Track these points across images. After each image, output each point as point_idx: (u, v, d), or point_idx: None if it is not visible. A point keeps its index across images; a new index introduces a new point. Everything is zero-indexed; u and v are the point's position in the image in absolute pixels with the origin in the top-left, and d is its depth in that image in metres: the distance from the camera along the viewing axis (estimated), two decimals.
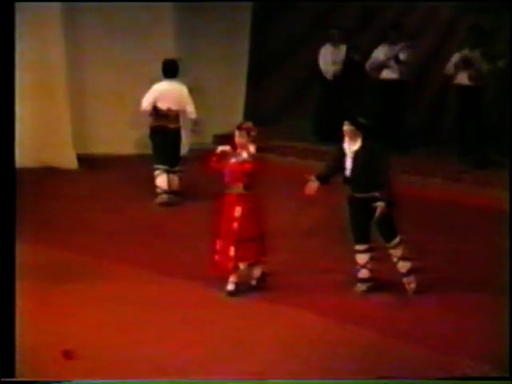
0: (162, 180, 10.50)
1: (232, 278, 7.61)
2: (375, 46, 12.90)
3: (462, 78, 12.01)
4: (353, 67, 13.21)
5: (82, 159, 12.21)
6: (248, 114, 13.11)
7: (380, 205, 7.53)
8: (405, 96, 12.83)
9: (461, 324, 7.12)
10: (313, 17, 13.87)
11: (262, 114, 13.31)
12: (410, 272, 7.80)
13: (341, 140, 7.76)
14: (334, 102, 13.16)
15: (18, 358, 5.56)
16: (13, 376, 5.44)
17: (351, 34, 13.43)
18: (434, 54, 13.14)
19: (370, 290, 7.80)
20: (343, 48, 13.30)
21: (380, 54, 12.80)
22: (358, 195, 7.71)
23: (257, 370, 6.15)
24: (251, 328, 6.94)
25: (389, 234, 7.74)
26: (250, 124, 7.64)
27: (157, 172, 10.53)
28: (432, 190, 11.35)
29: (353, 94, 13.27)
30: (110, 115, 12.70)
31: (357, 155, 7.66)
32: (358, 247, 7.83)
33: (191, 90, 10.75)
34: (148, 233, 9.40)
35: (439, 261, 8.63)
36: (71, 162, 12.18)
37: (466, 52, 11.96)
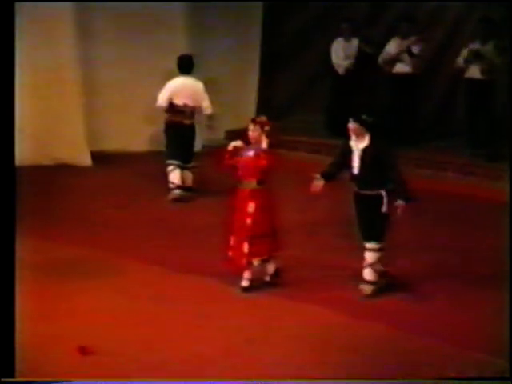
0: (175, 175, 10.54)
1: (246, 275, 7.58)
2: (387, 39, 12.89)
3: (474, 72, 12.00)
4: (365, 61, 13.22)
5: (96, 156, 12.27)
6: (260, 109, 13.14)
7: (400, 203, 7.40)
8: (417, 89, 12.83)
9: (472, 318, 7.14)
10: (324, 11, 13.88)
11: (274, 108, 13.35)
12: (369, 282, 7.64)
13: (349, 136, 7.73)
14: (346, 97, 13.15)
15: (17, 357, 5.59)
16: (13, 376, 5.47)
17: (362, 28, 13.44)
18: (446, 47, 13.13)
19: (374, 294, 7.62)
20: (355, 42, 13.30)
21: (392, 47, 12.77)
22: (364, 192, 7.59)
23: (270, 365, 6.18)
24: (265, 324, 6.94)
25: (375, 234, 7.58)
26: (264, 118, 7.61)
27: (170, 167, 10.57)
28: (443, 184, 11.37)
29: (365, 88, 13.27)
30: (122, 112, 12.74)
31: (365, 153, 7.55)
32: (368, 245, 7.65)
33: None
34: (161, 229, 9.43)
35: (450, 254, 8.63)
36: (85, 159, 12.25)
37: (477, 45, 11.96)
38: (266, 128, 7.52)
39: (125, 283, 7.71)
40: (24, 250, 8.17)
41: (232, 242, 7.60)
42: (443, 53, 13.13)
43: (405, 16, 12.96)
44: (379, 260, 7.64)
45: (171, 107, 10.57)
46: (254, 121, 7.58)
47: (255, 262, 7.58)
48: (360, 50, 13.32)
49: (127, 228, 9.41)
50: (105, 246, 8.69)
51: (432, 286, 7.82)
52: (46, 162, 11.94)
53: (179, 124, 10.56)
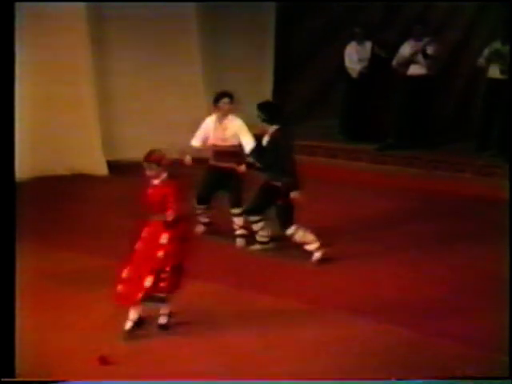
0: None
1: (132, 315, 6.79)
2: (401, 41, 12.85)
3: (495, 72, 11.95)
4: (379, 64, 13.18)
5: (112, 165, 12.30)
6: None
7: (294, 194, 8.28)
8: (432, 91, 12.77)
9: (479, 320, 7.10)
10: (337, 15, 13.88)
11: (288, 114, 13.32)
12: (315, 251, 8.49)
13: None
14: (361, 101, 13.15)
15: (17, 357, 5.59)
16: (13, 376, 5.47)
17: (376, 31, 13.41)
18: (461, 48, 13.09)
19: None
20: (368, 45, 13.28)
21: (407, 49, 12.74)
22: (270, 182, 8.48)
23: (289, 370, 6.14)
24: (280, 329, 6.92)
25: (284, 223, 8.50)
26: (157, 153, 6.84)
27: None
28: (462, 185, 11.32)
29: (379, 91, 13.23)
30: (139, 121, 12.76)
31: (267, 145, 8.50)
32: (251, 219, 8.85)
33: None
34: None
35: (464, 254, 8.67)
36: (101, 169, 12.28)
37: (498, 45, 11.89)
38: (164, 162, 6.82)
39: None
40: (41, 260, 8.26)
41: (125, 275, 6.77)
42: (458, 54, 13.09)
43: (418, 18, 12.92)
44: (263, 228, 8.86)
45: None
46: (146, 159, 6.82)
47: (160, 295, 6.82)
48: (373, 54, 13.29)
49: None
50: (121, 256, 8.62)
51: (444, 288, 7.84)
52: (62, 171, 11.98)
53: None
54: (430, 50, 12.60)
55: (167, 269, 6.70)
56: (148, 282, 6.65)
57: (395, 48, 12.83)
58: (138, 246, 6.85)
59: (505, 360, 5.95)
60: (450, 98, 13.26)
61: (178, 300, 6.90)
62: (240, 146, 9.15)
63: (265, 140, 8.61)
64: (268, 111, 8.58)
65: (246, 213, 8.91)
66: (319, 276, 8.19)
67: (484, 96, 12.30)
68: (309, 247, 8.53)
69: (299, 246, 8.62)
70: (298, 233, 8.53)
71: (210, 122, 9.32)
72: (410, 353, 6.42)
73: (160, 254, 6.69)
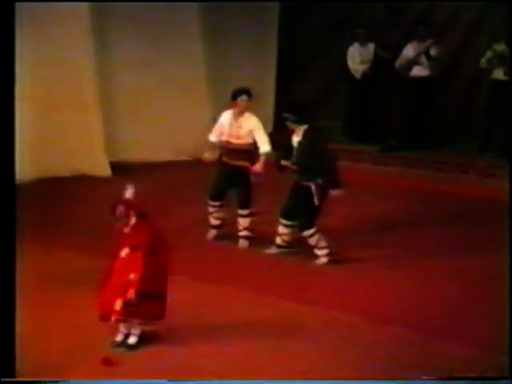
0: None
1: (123, 328, 6.54)
2: (403, 43, 12.87)
3: (498, 73, 11.95)
4: (382, 65, 13.19)
5: (115, 166, 12.29)
6: (278, 116, 13.14)
7: (335, 192, 8.24)
8: (435, 93, 12.77)
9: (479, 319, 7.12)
10: (340, 17, 13.89)
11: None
12: (322, 257, 8.50)
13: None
14: (363, 102, 13.16)
15: (17, 357, 5.59)
16: (13, 376, 5.48)
17: (378, 32, 13.42)
18: (464, 49, 13.09)
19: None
20: (371, 46, 13.31)
21: (410, 51, 12.77)
22: (301, 183, 8.32)
23: (289, 371, 6.14)
24: (280, 330, 6.93)
25: (308, 223, 8.41)
26: (122, 206, 6.50)
27: None
28: (465, 186, 11.33)
29: (382, 92, 13.24)
30: (142, 122, 12.78)
31: (299, 145, 8.30)
32: (284, 222, 8.60)
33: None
34: (179, 239, 9.37)
35: (466, 255, 8.70)
36: (104, 170, 12.27)
37: (502, 46, 11.89)
38: (133, 210, 6.49)
39: None
40: (41, 260, 8.28)
41: (105, 294, 6.47)
42: (461, 55, 13.09)
43: (421, 19, 12.93)
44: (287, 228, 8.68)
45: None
46: (114, 213, 6.51)
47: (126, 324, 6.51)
48: (376, 55, 13.30)
49: None
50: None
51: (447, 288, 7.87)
52: (64, 173, 11.97)
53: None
54: (433, 52, 12.62)
55: (141, 292, 6.33)
56: (118, 305, 6.34)
57: (398, 49, 12.85)
58: (116, 264, 6.53)
59: (505, 361, 5.95)
60: (453, 99, 13.27)
61: (181, 301, 6.91)
62: (254, 145, 8.94)
63: (295, 141, 8.37)
64: (298, 112, 8.35)
65: (283, 217, 8.60)
66: (320, 277, 8.20)
67: (487, 97, 12.33)
68: (319, 252, 8.52)
69: (308, 248, 8.59)
70: (315, 235, 8.48)
71: (225, 117, 9.08)
72: (411, 353, 6.41)
73: (132, 276, 6.33)
